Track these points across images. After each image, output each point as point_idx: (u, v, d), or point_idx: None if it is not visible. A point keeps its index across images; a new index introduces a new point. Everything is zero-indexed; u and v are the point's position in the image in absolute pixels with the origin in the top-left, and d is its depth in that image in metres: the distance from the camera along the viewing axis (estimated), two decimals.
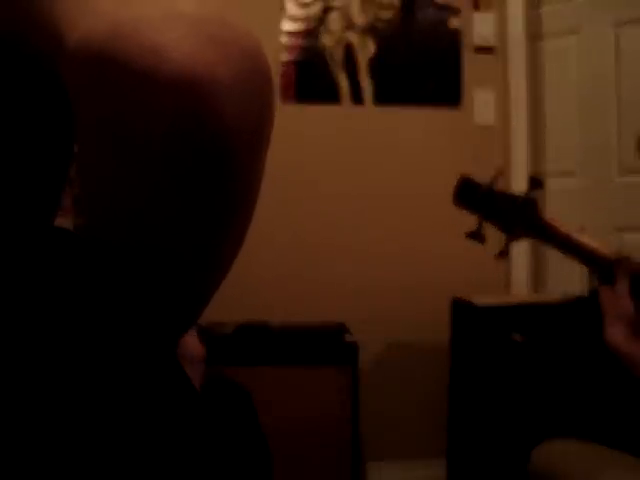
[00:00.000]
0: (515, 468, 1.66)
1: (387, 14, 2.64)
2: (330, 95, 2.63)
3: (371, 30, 2.64)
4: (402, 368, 2.63)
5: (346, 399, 2.18)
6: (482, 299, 2.23)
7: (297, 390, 2.16)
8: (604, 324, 1.05)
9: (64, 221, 0.36)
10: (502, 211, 1.09)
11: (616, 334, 1.04)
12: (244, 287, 2.41)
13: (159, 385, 0.31)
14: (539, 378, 2.04)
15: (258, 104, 0.38)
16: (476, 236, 1.10)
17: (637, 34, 2.50)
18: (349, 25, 2.63)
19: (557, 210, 2.66)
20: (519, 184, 2.60)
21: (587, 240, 1.09)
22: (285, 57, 2.59)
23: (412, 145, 2.68)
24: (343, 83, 2.63)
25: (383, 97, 2.65)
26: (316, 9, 2.61)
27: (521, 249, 2.60)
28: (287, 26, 2.60)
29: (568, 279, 2.44)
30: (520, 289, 2.69)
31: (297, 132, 2.58)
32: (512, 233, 1.09)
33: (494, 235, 1.11)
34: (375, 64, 2.64)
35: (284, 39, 2.60)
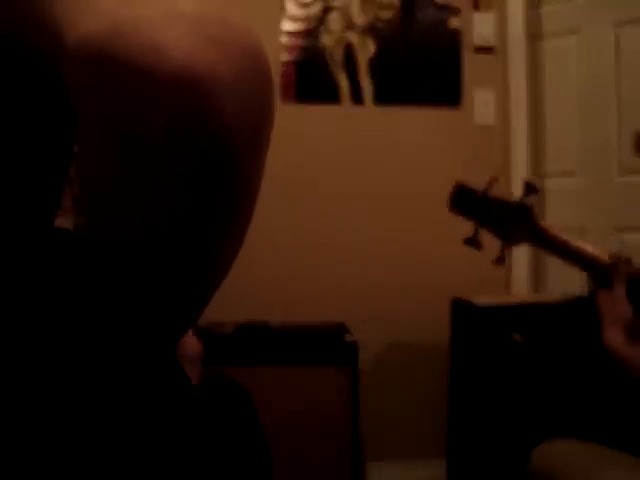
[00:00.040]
0: (515, 468, 1.66)
1: (387, 14, 2.64)
2: (330, 95, 2.63)
3: (371, 30, 2.64)
4: (402, 368, 2.63)
5: (346, 399, 2.18)
6: (482, 299, 2.23)
7: (297, 390, 2.16)
8: (602, 328, 1.05)
9: (64, 221, 0.36)
10: (497, 217, 1.09)
11: (614, 337, 1.04)
12: (244, 287, 2.41)
13: (159, 385, 0.31)
14: (539, 378, 2.04)
15: (259, 103, 0.38)
16: (473, 242, 1.10)
17: (637, 34, 2.50)
18: (349, 25, 2.63)
19: (557, 210, 2.67)
20: (519, 184, 2.60)
21: (583, 245, 1.10)
22: (285, 57, 2.59)
23: (412, 145, 2.68)
24: (343, 83, 2.63)
25: (383, 97, 2.65)
26: (316, 9, 2.61)
27: (521, 249, 2.60)
28: (287, 26, 2.60)
29: (568, 279, 2.44)
30: (520, 289, 2.69)
31: (297, 132, 2.58)
32: (508, 239, 1.10)
33: (493, 239, 1.12)
34: (375, 64, 2.64)
35: (284, 39, 2.60)
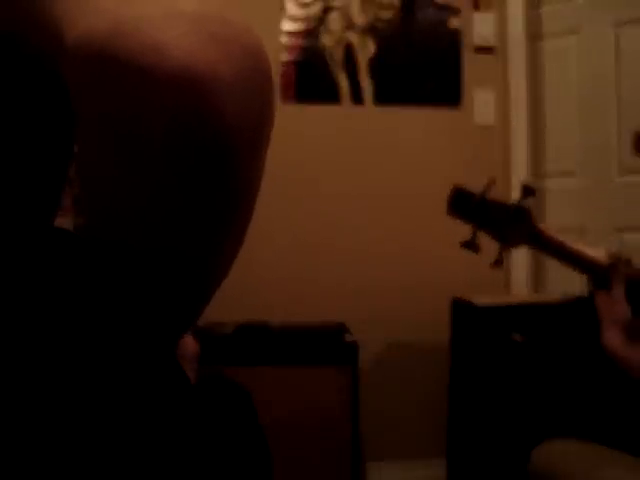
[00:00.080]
0: (515, 468, 1.66)
1: (387, 14, 2.64)
2: (330, 95, 2.63)
3: (371, 30, 2.64)
4: (402, 368, 2.63)
5: (346, 399, 2.18)
6: (482, 299, 2.23)
7: (297, 390, 2.16)
8: (601, 329, 1.05)
9: (64, 221, 0.36)
10: (495, 220, 1.09)
11: (613, 338, 1.04)
12: (244, 287, 2.41)
13: (159, 385, 0.31)
14: (539, 378, 2.04)
15: (259, 102, 0.38)
16: (471, 245, 1.10)
17: (637, 34, 2.50)
18: (349, 25, 2.63)
19: (557, 210, 2.67)
20: (519, 185, 2.60)
21: (581, 247, 1.10)
22: (285, 57, 2.59)
23: (412, 145, 2.68)
24: (343, 83, 2.63)
25: (383, 97, 2.65)
26: (316, 9, 2.61)
27: (521, 250, 2.60)
28: (287, 26, 2.60)
29: (568, 279, 2.44)
30: (520, 289, 2.69)
31: (297, 132, 2.58)
32: (506, 242, 1.10)
33: (491, 241, 1.12)
34: (375, 64, 2.64)
35: (284, 39, 2.60)
